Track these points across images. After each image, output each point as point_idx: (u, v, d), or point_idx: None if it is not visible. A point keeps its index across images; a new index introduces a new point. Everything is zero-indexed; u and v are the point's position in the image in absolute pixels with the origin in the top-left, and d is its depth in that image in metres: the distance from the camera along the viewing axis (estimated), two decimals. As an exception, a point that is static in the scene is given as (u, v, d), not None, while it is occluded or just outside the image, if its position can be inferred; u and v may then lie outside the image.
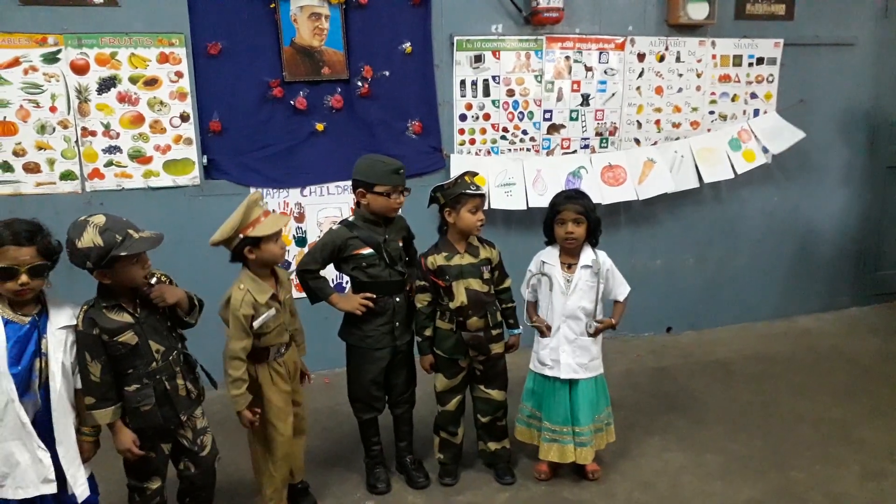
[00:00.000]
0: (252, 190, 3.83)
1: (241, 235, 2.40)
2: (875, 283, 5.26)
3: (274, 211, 3.81)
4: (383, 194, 2.71)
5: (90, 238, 2.08)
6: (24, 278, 2.03)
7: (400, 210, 2.83)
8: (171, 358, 2.31)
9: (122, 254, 2.09)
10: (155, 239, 2.20)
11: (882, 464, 3.05)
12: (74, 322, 2.18)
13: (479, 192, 2.76)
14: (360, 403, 2.91)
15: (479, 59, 4.10)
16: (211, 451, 2.48)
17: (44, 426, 2.12)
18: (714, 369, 4.15)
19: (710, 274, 4.82)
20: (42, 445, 2.09)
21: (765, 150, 4.60)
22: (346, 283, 3.01)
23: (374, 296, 2.78)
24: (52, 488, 2.12)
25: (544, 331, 2.88)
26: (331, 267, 2.86)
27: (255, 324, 2.44)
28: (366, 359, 2.85)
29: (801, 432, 3.35)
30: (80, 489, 2.16)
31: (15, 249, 2.02)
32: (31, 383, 2.10)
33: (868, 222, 5.13)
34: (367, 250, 2.76)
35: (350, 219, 2.84)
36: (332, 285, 2.90)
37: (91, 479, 2.29)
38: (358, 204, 2.83)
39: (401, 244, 2.87)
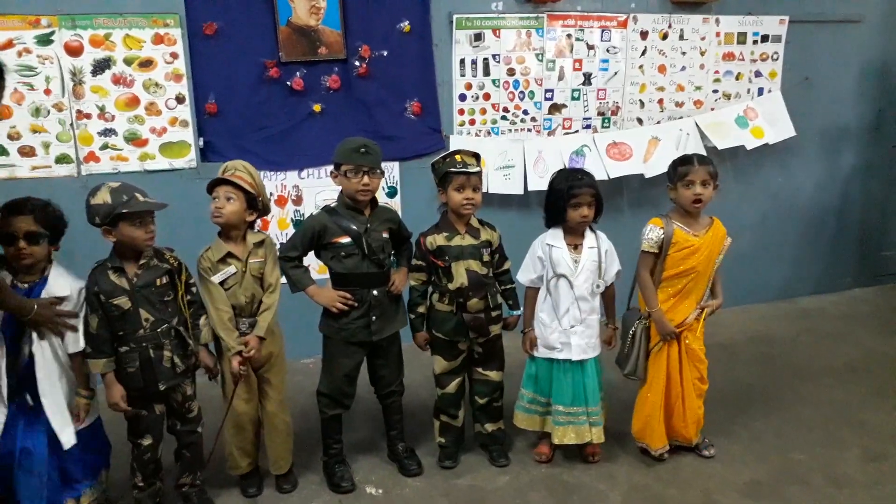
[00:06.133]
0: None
1: None
2: (878, 264, 5.23)
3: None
4: (346, 175, 2.65)
5: (102, 196, 2.32)
6: (21, 244, 2.27)
7: (372, 195, 2.72)
8: (160, 329, 2.44)
9: (124, 211, 2.29)
10: (157, 204, 2.39)
11: (884, 446, 3.04)
12: (68, 292, 2.37)
13: (464, 169, 2.70)
14: (328, 399, 2.82)
15: (478, 37, 4.04)
16: (197, 416, 2.66)
17: (33, 382, 2.33)
18: (715, 351, 4.10)
19: (712, 255, 4.78)
20: None
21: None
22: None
23: (352, 299, 2.70)
24: None
25: (528, 346, 2.94)
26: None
27: (214, 279, 2.56)
28: (340, 352, 2.78)
29: (802, 414, 3.34)
30: (66, 437, 2.36)
31: (13, 219, 2.29)
32: (21, 345, 2.33)
33: (872, 203, 5.10)
34: (346, 239, 2.68)
35: (332, 204, 2.78)
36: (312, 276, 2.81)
37: (104, 444, 2.62)
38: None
39: (385, 236, 2.77)
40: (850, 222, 5.08)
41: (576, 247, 2.83)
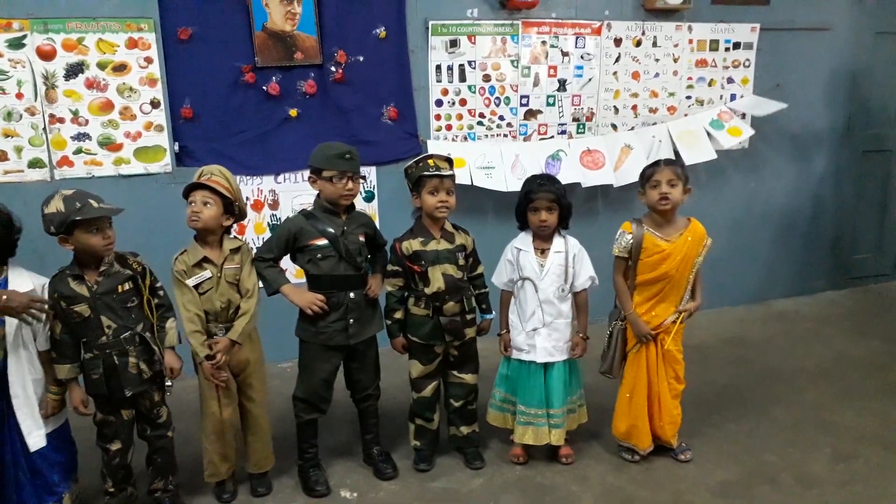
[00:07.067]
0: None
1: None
2: (850, 267, 5.32)
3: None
4: (330, 180, 2.66)
5: (55, 205, 2.28)
6: None
7: (354, 199, 2.76)
8: (123, 336, 2.43)
9: (78, 218, 2.26)
10: (112, 210, 2.36)
11: (853, 446, 3.08)
12: (31, 287, 2.34)
13: (437, 173, 2.72)
14: (305, 403, 2.82)
15: (454, 43, 4.07)
16: (166, 421, 2.65)
17: (4, 381, 2.34)
18: (690, 353, 4.06)
19: (687, 259, 4.83)
20: None
21: (744, 118, 4.61)
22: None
23: (326, 302, 2.69)
24: None
25: (503, 347, 2.98)
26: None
27: (189, 282, 2.55)
28: (317, 356, 2.78)
29: (774, 415, 3.38)
30: (33, 439, 2.36)
31: None
32: None
33: (844, 207, 5.18)
34: (322, 241, 2.69)
35: (309, 208, 2.80)
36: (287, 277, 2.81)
37: (69, 445, 2.59)
38: None
39: (362, 239, 2.78)
40: (823, 226, 5.16)
41: (543, 251, 2.86)
